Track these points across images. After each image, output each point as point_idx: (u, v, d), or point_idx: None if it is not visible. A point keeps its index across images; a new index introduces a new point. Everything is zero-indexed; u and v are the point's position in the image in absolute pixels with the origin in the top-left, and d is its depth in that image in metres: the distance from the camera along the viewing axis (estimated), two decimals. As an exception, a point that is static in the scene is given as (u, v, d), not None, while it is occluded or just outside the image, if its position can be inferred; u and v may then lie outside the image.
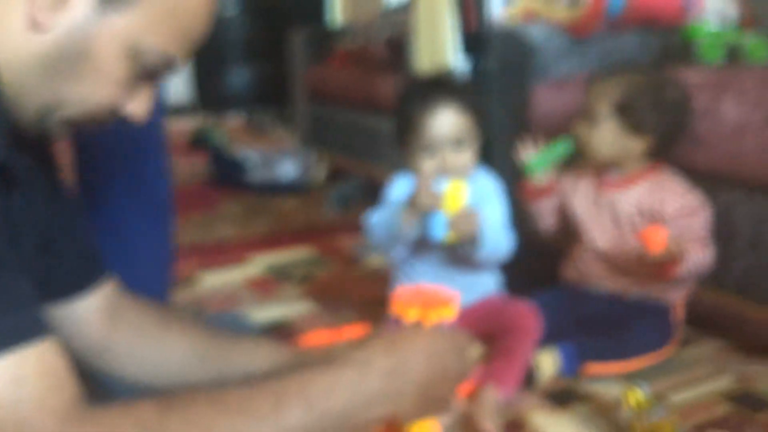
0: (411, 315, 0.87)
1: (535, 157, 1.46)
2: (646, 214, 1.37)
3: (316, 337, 1.46)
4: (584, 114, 1.40)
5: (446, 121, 1.30)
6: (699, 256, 1.28)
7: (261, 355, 0.89)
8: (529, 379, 1.27)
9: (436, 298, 0.90)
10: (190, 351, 0.90)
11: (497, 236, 1.32)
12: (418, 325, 0.85)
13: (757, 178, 1.35)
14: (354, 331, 1.41)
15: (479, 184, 1.38)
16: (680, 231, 1.29)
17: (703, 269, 1.31)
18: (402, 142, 1.36)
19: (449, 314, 0.88)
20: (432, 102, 1.31)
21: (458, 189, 1.26)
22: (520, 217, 1.50)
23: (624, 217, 1.40)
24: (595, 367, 1.31)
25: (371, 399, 0.74)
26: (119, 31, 0.66)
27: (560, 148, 1.45)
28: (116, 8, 0.65)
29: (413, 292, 0.92)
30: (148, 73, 0.70)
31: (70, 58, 0.65)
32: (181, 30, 0.69)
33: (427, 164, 1.32)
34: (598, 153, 1.39)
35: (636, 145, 1.37)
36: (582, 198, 1.46)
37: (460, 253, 1.34)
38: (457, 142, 1.31)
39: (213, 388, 0.70)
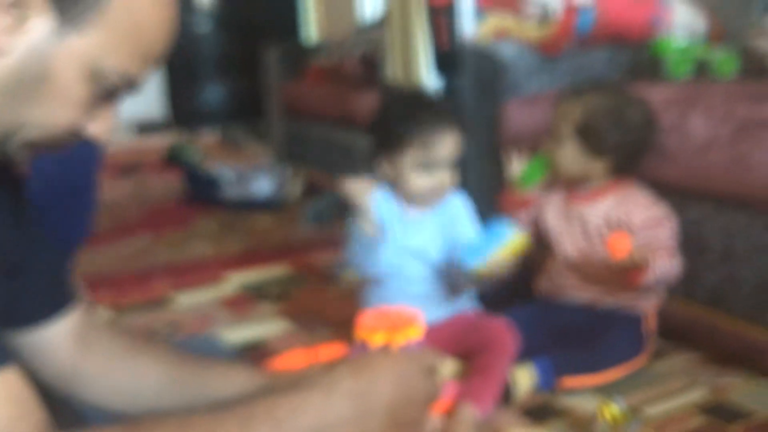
0: (377, 339, 0.87)
1: (525, 171, 1.48)
2: (613, 226, 1.39)
3: (292, 357, 1.46)
4: (550, 133, 1.43)
5: (450, 142, 1.33)
6: (666, 264, 1.30)
7: (234, 380, 0.89)
8: (506, 396, 1.27)
9: (401, 319, 0.90)
10: (162, 377, 0.89)
11: None
12: (385, 348, 0.85)
13: (726, 192, 1.37)
14: (330, 350, 1.40)
15: (452, 205, 1.40)
16: (647, 241, 1.33)
17: (671, 278, 1.33)
18: (388, 157, 1.36)
19: (415, 334, 0.88)
20: (439, 122, 1.33)
21: (520, 243, 1.28)
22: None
23: (592, 228, 1.42)
24: (571, 381, 1.32)
25: (338, 422, 0.74)
26: (79, 52, 0.65)
27: (546, 162, 1.47)
28: (75, 29, 0.64)
29: (377, 315, 0.92)
30: (109, 93, 0.69)
31: (30, 80, 0.64)
32: (141, 49, 0.68)
33: (424, 181, 1.34)
34: (563, 171, 1.43)
35: (597, 164, 1.40)
36: (553, 211, 1.48)
37: (461, 281, 1.36)
38: (452, 163, 1.34)
39: (181, 413, 0.69)
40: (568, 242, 1.45)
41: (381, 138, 1.38)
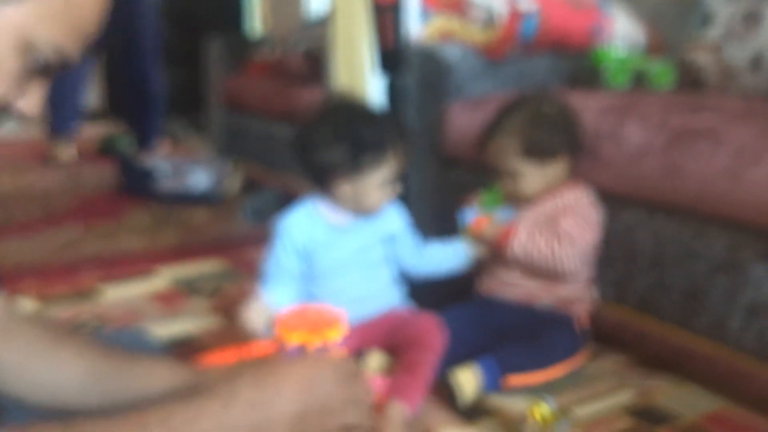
0: (294, 338, 0.85)
1: (483, 204, 1.47)
2: (549, 217, 1.40)
3: (223, 354, 1.42)
4: (502, 173, 1.42)
5: (383, 173, 1.32)
6: (541, 244, 1.35)
7: (159, 377, 0.85)
8: (451, 400, 1.27)
9: (322, 320, 0.87)
10: (84, 371, 0.85)
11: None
12: (301, 353, 0.83)
13: (658, 199, 1.40)
14: (263, 347, 1.37)
15: (390, 217, 1.40)
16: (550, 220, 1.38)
17: (550, 260, 1.36)
18: (348, 177, 1.31)
19: (335, 336, 0.86)
20: (375, 159, 1.30)
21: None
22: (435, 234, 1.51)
23: (540, 221, 1.42)
24: (516, 379, 1.32)
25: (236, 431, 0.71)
26: (12, 23, 0.64)
27: (499, 192, 1.46)
28: (8, 1, 0.63)
29: (298, 314, 0.90)
30: (41, 67, 0.68)
31: None
32: (74, 23, 0.67)
33: (377, 197, 1.32)
34: (535, 194, 1.42)
35: (557, 167, 1.41)
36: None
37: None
38: (388, 182, 1.34)
39: (70, 420, 0.66)
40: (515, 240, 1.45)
41: (346, 159, 1.30)
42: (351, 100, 1.43)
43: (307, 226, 1.35)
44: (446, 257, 1.47)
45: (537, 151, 1.38)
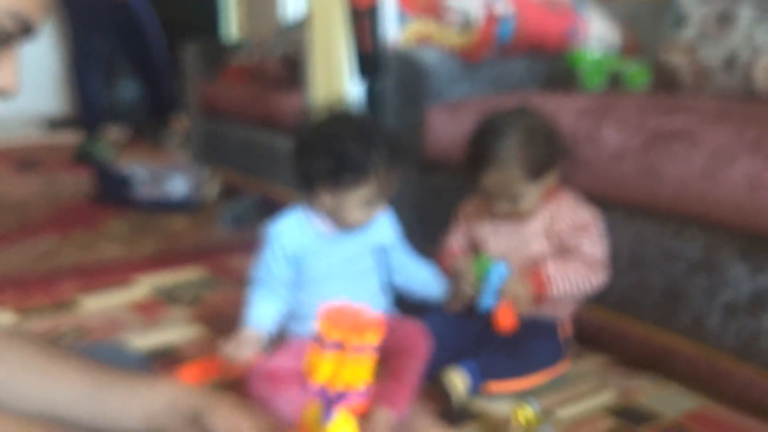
0: (334, 335, 0.84)
1: (477, 269, 1.40)
2: (550, 234, 1.40)
3: (204, 364, 1.41)
4: (503, 197, 1.39)
5: (363, 195, 1.29)
6: (577, 279, 1.34)
7: (151, 401, 0.84)
8: (447, 401, 1.27)
9: (363, 321, 0.87)
10: (76, 390, 0.84)
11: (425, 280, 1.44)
12: (338, 348, 0.83)
13: (636, 201, 1.41)
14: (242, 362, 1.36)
15: (381, 228, 1.39)
16: (572, 246, 1.36)
17: (588, 290, 1.36)
18: (330, 190, 1.29)
19: (373, 339, 0.86)
20: (354, 183, 1.27)
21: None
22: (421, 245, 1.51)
23: (531, 240, 1.42)
24: (496, 386, 1.33)
25: None
26: None
27: (494, 276, 1.37)
28: None
29: (340, 311, 0.89)
30: (4, 38, 0.65)
31: None
32: None
33: (357, 215, 1.30)
34: (529, 209, 1.40)
35: (551, 176, 1.40)
36: (493, 234, 1.46)
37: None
38: (370, 203, 1.31)
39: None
40: (501, 250, 1.44)
41: (328, 172, 1.28)
42: (355, 114, 1.41)
43: (297, 233, 1.34)
44: (427, 283, 1.45)
45: (538, 170, 1.36)
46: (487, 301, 1.34)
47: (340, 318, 0.87)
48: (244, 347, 1.26)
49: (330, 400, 0.88)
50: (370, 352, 0.87)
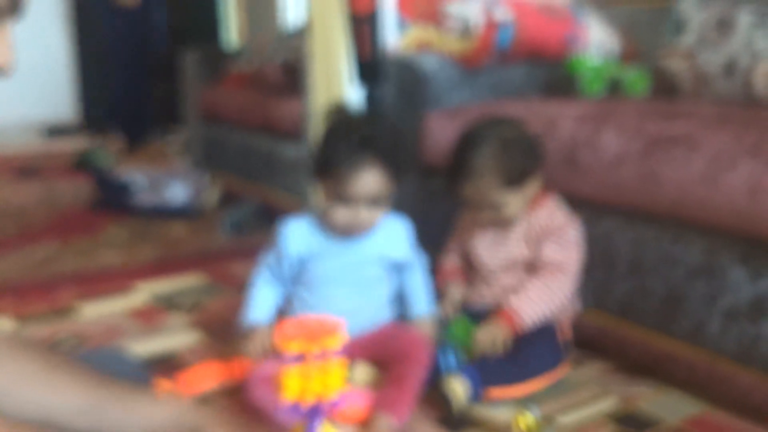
0: (292, 348, 0.85)
1: (456, 334, 1.41)
2: (530, 239, 1.42)
3: (204, 370, 1.41)
4: (484, 206, 1.41)
5: (369, 181, 1.27)
6: (539, 296, 1.36)
7: (153, 416, 0.84)
8: (448, 408, 1.27)
9: (321, 329, 0.88)
10: (77, 399, 0.83)
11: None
12: (300, 361, 0.83)
13: (635, 206, 1.41)
14: (245, 363, 1.36)
15: (394, 241, 1.40)
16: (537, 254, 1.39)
17: (562, 299, 1.38)
18: (319, 179, 1.34)
19: (334, 344, 0.86)
20: (358, 159, 1.26)
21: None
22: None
23: (514, 247, 1.44)
24: (497, 392, 1.32)
25: None
26: None
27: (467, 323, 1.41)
28: None
29: (297, 324, 0.90)
30: None
31: None
32: None
33: (341, 214, 1.30)
34: (518, 214, 1.41)
35: (533, 184, 1.41)
36: (483, 243, 1.48)
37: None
38: (374, 201, 1.30)
39: None
40: (489, 259, 1.46)
41: (316, 160, 1.33)
42: (373, 116, 1.50)
43: (305, 234, 1.37)
44: (420, 305, 1.46)
45: (516, 179, 1.37)
46: (450, 362, 1.33)
47: (296, 330, 0.87)
48: (261, 344, 1.33)
49: (307, 416, 0.87)
50: (334, 358, 0.87)
